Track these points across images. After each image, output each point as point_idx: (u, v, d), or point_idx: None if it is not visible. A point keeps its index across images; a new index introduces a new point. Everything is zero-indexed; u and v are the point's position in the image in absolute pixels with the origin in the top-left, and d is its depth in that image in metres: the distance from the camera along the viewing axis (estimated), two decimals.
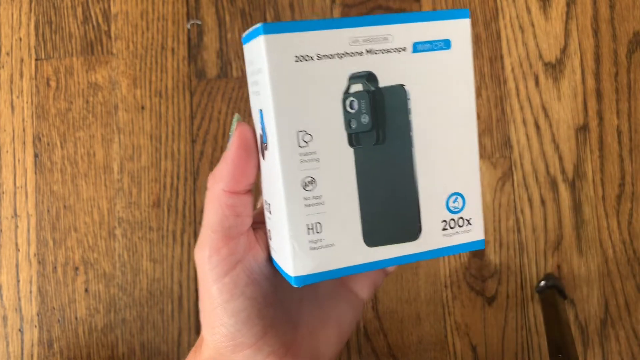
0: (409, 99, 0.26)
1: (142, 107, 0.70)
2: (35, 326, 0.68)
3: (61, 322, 0.68)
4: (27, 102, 0.70)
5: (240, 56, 0.70)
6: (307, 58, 0.25)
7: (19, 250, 0.68)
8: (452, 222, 0.28)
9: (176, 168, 0.69)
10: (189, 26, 0.71)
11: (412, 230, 0.27)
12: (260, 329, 0.27)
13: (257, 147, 0.27)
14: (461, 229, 0.28)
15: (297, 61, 0.25)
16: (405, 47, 0.26)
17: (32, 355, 0.68)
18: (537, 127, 0.69)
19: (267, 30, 0.24)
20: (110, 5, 0.71)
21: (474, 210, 0.28)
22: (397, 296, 0.68)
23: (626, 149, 0.69)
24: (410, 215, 0.27)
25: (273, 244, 0.28)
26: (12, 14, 0.71)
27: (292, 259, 0.25)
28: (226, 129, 0.69)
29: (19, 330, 0.68)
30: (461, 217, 0.28)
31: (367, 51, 0.26)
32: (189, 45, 0.71)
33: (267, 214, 0.28)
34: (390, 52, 0.26)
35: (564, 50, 0.70)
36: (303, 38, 0.25)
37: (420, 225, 0.27)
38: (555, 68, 0.70)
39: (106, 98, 0.70)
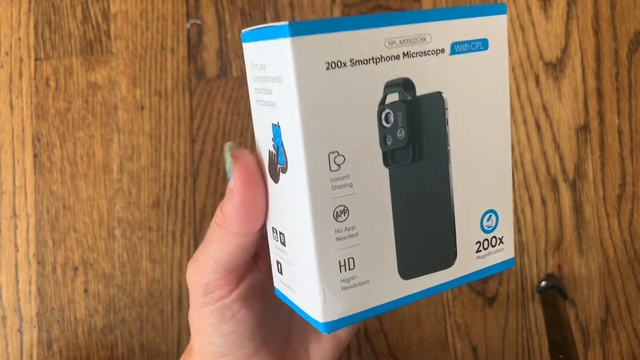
0: (446, 109, 0.23)
1: (142, 107, 0.70)
2: (35, 326, 0.68)
3: (60, 323, 0.68)
4: (26, 102, 0.70)
5: (240, 55, 0.70)
6: (339, 65, 0.21)
7: (18, 250, 0.68)
8: (486, 242, 0.25)
9: (176, 168, 0.69)
10: (188, 26, 0.71)
11: (448, 257, 0.24)
12: (252, 349, 0.26)
13: (264, 175, 0.24)
14: (494, 249, 0.25)
15: (328, 68, 0.21)
16: (443, 49, 0.23)
17: (31, 356, 0.67)
18: (538, 127, 0.69)
19: (294, 32, 0.20)
20: (109, 4, 0.71)
21: (506, 227, 0.25)
22: None
23: (627, 149, 0.69)
24: (446, 240, 0.24)
25: (284, 278, 0.24)
26: (11, 14, 0.71)
27: (322, 302, 0.22)
28: (226, 129, 0.69)
29: (18, 330, 0.68)
30: (494, 236, 0.25)
31: (405, 54, 0.22)
32: (188, 44, 0.70)
33: (276, 243, 0.24)
34: (429, 54, 0.22)
35: (564, 50, 0.70)
36: (336, 40, 0.21)
37: (456, 250, 0.24)
38: (555, 68, 0.70)
39: (105, 98, 0.70)
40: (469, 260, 0.25)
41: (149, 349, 0.68)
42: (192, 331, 0.27)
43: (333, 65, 0.21)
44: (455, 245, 0.24)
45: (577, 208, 0.69)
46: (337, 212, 0.22)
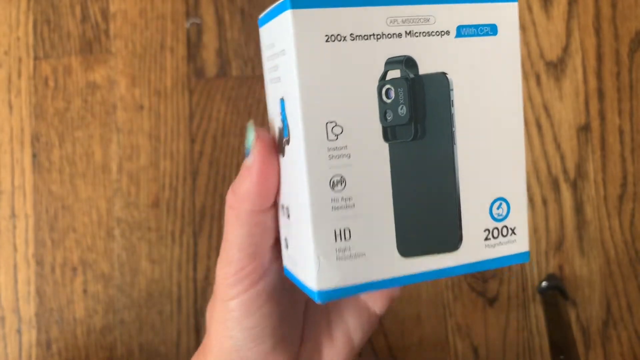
0: (451, 90, 0.23)
1: (141, 107, 0.69)
2: (34, 327, 0.67)
3: (59, 323, 0.67)
4: (25, 102, 0.70)
5: (240, 55, 0.70)
6: (339, 38, 0.22)
7: (17, 250, 0.68)
8: (496, 231, 0.25)
9: (175, 168, 0.69)
10: (188, 25, 0.71)
11: (451, 240, 0.24)
12: (269, 345, 0.26)
13: (277, 151, 0.25)
14: (505, 239, 0.25)
15: (327, 41, 0.22)
16: (448, 31, 0.23)
17: (30, 356, 0.67)
18: (539, 126, 0.69)
19: (295, 4, 0.21)
20: (108, 4, 0.71)
21: (519, 218, 0.25)
22: (398, 297, 0.67)
23: (628, 149, 0.69)
24: (450, 222, 0.24)
25: (290, 252, 0.25)
26: (11, 13, 0.71)
27: (316, 270, 0.22)
28: (226, 129, 0.69)
29: (17, 331, 0.67)
30: (505, 226, 0.25)
31: (407, 33, 0.23)
32: (188, 44, 0.70)
33: (283, 219, 0.25)
34: (432, 35, 0.23)
35: (565, 49, 0.70)
36: (336, 15, 0.22)
37: (461, 234, 0.24)
38: (556, 67, 0.70)
39: (105, 97, 0.70)
40: (476, 248, 0.24)
41: (148, 350, 0.67)
42: (210, 326, 0.27)
43: (333, 38, 0.22)
44: (461, 229, 0.24)
45: (578, 208, 0.68)
46: (333, 182, 0.22)
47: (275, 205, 0.25)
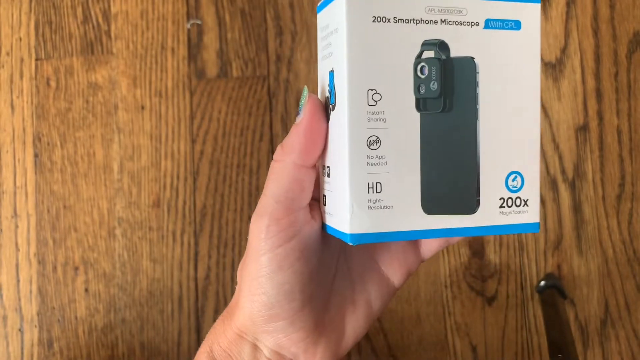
0: (477, 72, 0.27)
1: (142, 107, 0.70)
2: (35, 326, 0.68)
3: (61, 322, 0.68)
4: (27, 102, 0.70)
5: (240, 55, 0.70)
6: (384, 20, 0.25)
7: (19, 250, 0.68)
8: (510, 200, 0.28)
9: (176, 168, 0.69)
10: (189, 26, 0.71)
11: (470, 204, 0.27)
12: (299, 303, 0.27)
13: (326, 117, 0.28)
14: (518, 208, 0.28)
15: (374, 21, 0.25)
16: (477, 22, 0.27)
17: (32, 355, 0.68)
18: None
19: None
20: (110, 5, 0.71)
21: (532, 191, 0.28)
22: (397, 296, 0.68)
23: (626, 149, 0.69)
24: (469, 188, 0.27)
25: (328, 208, 0.28)
26: (12, 14, 0.71)
27: (350, 216, 0.25)
28: (226, 129, 0.69)
29: (19, 330, 0.68)
30: (519, 197, 0.28)
31: (442, 21, 0.26)
32: (188, 45, 0.71)
33: (324, 179, 0.28)
34: (463, 24, 0.26)
35: (564, 50, 0.70)
36: (383, 0, 0.25)
37: (479, 200, 0.27)
38: (555, 68, 0.70)
39: (106, 98, 0.70)
40: (491, 213, 0.27)
41: (149, 348, 0.68)
42: (243, 287, 0.28)
43: (378, 19, 0.25)
44: (479, 195, 0.27)
45: (577, 208, 0.69)
46: (370, 141, 0.26)
47: (315, 168, 0.28)
